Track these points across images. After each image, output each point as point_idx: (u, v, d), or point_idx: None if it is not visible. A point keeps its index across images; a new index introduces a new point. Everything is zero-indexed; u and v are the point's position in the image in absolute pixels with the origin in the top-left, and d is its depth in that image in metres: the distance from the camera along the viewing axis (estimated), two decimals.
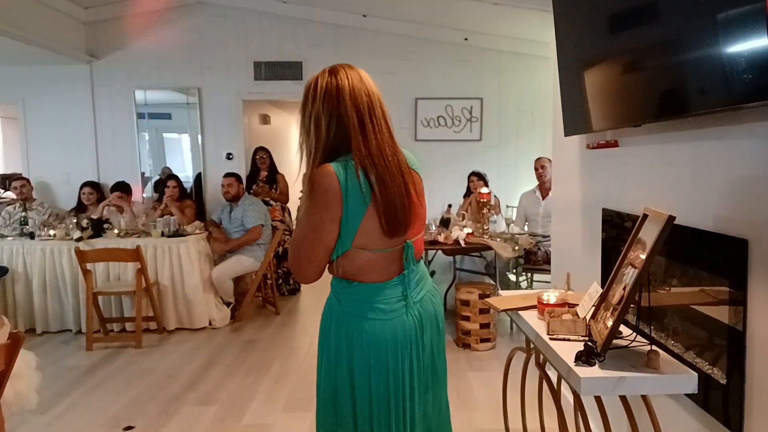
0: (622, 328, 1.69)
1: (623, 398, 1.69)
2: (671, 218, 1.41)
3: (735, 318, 1.48)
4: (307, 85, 1.41)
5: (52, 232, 4.61)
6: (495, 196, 5.19)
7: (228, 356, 4.00)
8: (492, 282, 4.58)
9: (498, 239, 4.29)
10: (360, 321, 1.41)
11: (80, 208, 5.41)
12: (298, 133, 1.42)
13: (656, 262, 1.87)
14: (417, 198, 1.43)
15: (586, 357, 1.49)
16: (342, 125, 1.35)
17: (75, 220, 4.64)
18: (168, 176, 5.47)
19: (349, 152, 1.35)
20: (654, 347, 1.50)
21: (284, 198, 5.77)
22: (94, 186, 5.53)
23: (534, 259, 4.68)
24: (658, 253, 1.51)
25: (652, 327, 1.93)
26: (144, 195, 6.04)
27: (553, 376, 2.22)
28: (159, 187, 5.88)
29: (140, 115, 5.94)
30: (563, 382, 2.47)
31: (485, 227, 4.44)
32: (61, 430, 2.90)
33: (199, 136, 5.95)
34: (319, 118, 1.35)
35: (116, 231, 4.71)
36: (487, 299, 2.30)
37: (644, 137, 2.08)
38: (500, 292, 2.48)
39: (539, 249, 4.64)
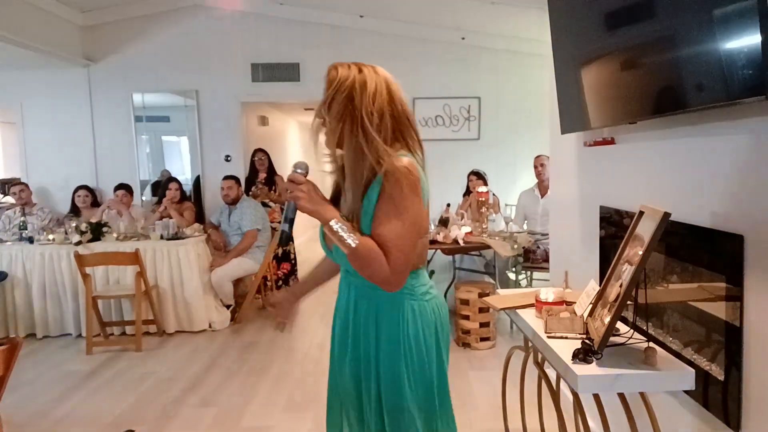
0: (620, 325, 1.69)
1: (621, 396, 1.69)
2: (667, 215, 1.41)
3: (732, 314, 1.48)
4: (352, 80, 1.37)
5: (51, 237, 4.61)
6: (494, 195, 5.19)
7: (228, 358, 4.00)
8: (491, 281, 4.58)
9: (497, 238, 4.29)
10: (436, 302, 1.46)
11: (75, 212, 5.39)
12: (347, 127, 1.33)
13: (653, 258, 1.87)
14: None
15: (583, 355, 1.49)
16: (394, 121, 1.38)
17: (74, 224, 4.64)
18: (168, 179, 5.46)
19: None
20: (651, 344, 1.50)
21: (283, 200, 5.77)
22: (89, 189, 5.52)
23: (533, 258, 4.68)
24: (654, 250, 1.51)
25: (649, 324, 1.93)
26: (143, 198, 6.04)
27: (552, 374, 2.22)
28: (157, 189, 5.88)
29: (138, 119, 5.94)
30: (562, 381, 2.47)
31: (484, 226, 4.44)
32: None
33: (198, 139, 5.96)
34: (383, 113, 1.35)
35: (115, 234, 4.71)
36: (485, 298, 2.30)
37: (640, 134, 2.08)
38: (499, 290, 2.48)
39: (538, 247, 4.63)
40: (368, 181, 1.31)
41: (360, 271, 1.32)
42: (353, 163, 1.33)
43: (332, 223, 1.27)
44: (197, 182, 6.03)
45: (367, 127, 1.31)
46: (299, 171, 1.33)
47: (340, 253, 1.34)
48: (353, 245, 1.26)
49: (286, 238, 1.36)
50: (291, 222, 1.33)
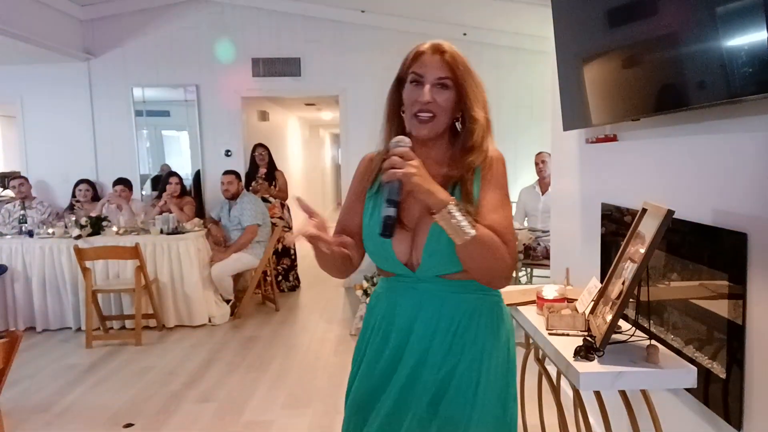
0: (621, 322, 1.69)
1: (623, 393, 1.69)
2: (670, 212, 1.41)
3: (734, 312, 1.48)
4: (465, 58, 1.25)
5: (50, 230, 4.61)
6: None
7: (228, 353, 4.00)
8: None
9: None
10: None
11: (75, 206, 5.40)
12: (471, 108, 1.22)
13: (655, 256, 1.86)
14: None
15: (585, 352, 1.48)
16: None
17: (74, 218, 4.64)
18: (169, 173, 5.46)
19: None
20: (653, 342, 1.50)
21: (283, 195, 5.76)
22: (90, 183, 5.52)
23: (533, 255, 4.67)
24: (657, 248, 1.50)
25: (651, 321, 1.93)
26: (143, 192, 6.03)
27: (552, 371, 2.21)
28: (157, 184, 5.88)
29: (138, 113, 5.93)
30: (563, 377, 2.47)
31: None
32: (61, 429, 2.90)
33: (198, 134, 5.94)
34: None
35: (115, 228, 4.71)
36: None
37: (643, 131, 2.07)
38: None
39: (539, 244, 4.63)
40: (472, 167, 1.21)
41: (475, 263, 1.14)
42: (466, 145, 1.23)
43: (451, 206, 1.07)
44: (197, 177, 6.02)
45: (484, 108, 1.23)
46: (403, 145, 1.13)
47: (436, 257, 1.19)
48: (474, 232, 1.08)
49: (392, 226, 1.09)
50: (396, 206, 1.10)
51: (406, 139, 1.15)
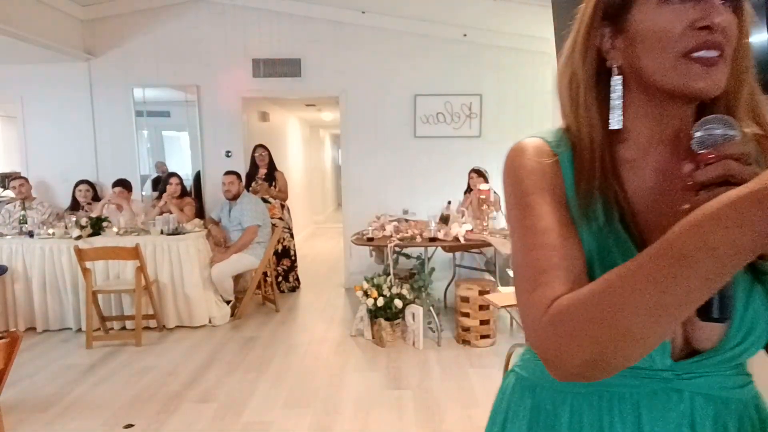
0: None
1: None
2: None
3: None
4: None
5: (51, 231, 4.61)
6: (495, 193, 5.18)
7: (228, 354, 4.00)
8: (492, 278, 4.58)
9: (498, 236, 4.28)
10: None
11: (75, 207, 5.40)
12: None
13: None
14: None
15: None
16: None
17: (74, 219, 4.64)
18: (169, 174, 5.46)
19: None
20: None
21: (283, 195, 5.77)
22: (90, 184, 5.52)
23: None
24: None
25: None
26: (143, 193, 6.04)
27: None
28: (157, 185, 5.88)
29: (139, 113, 5.93)
30: None
31: (485, 224, 4.44)
32: (61, 429, 2.90)
33: (199, 134, 5.95)
34: None
35: (115, 229, 4.71)
36: (486, 295, 2.30)
37: None
38: (500, 288, 2.47)
39: None
40: None
41: None
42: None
43: None
44: (197, 178, 6.02)
45: None
46: (735, 135, 0.59)
47: (755, 333, 0.66)
48: None
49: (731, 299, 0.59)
50: None
51: (732, 120, 0.60)
